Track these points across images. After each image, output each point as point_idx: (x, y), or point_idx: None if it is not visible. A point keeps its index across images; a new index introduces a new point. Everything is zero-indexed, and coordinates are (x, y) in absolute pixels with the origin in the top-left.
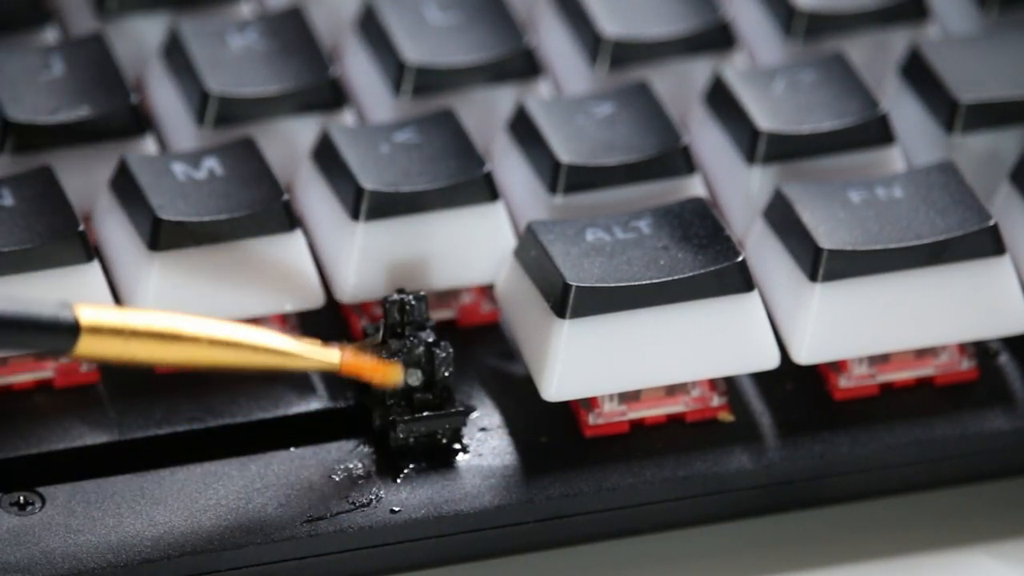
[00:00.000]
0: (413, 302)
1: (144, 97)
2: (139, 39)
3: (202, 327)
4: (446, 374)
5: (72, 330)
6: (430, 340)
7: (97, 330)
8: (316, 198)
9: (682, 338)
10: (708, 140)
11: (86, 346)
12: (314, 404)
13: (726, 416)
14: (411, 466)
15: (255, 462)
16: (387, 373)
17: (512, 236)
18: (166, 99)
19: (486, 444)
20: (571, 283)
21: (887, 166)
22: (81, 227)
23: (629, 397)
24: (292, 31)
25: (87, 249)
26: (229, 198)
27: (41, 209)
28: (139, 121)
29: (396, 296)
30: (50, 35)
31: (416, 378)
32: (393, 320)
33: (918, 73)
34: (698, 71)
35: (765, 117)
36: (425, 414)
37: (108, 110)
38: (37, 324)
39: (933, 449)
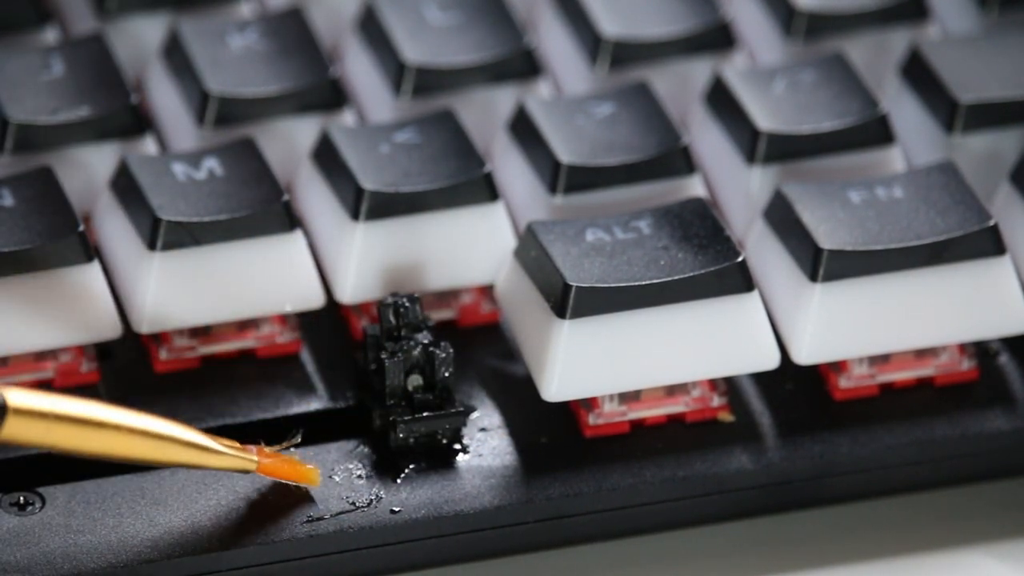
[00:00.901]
0: (407, 304)
1: (144, 97)
2: (139, 39)
3: (125, 418)
4: (446, 374)
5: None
6: (426, 341)
7: (23, 412)
8: (316, 198)
9: (682, 338)
10: (708, 140)
11: (10, 429)
12: (314, 404)
13: (726, 416)
14: (411, 466)
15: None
16: (304, 475)
17: (512, 236)
18: (166, 99)
19: (486, 444)
20: (571, 283)
21: (887, 166)
22: (81, 227)
23: (629, 397)
24: (292, 31)
25: (87, 249)
26: (229, 198)
27: (41, 209)
28: (139, 121)
29: (390, 299)
30: (50, 35)
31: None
32: (388, 323)
33: (918, 73)
34: (698, 71)
35: (765, 117)
36: (425, 414)
37: (108, 110)
38: None
39: (933, 449)
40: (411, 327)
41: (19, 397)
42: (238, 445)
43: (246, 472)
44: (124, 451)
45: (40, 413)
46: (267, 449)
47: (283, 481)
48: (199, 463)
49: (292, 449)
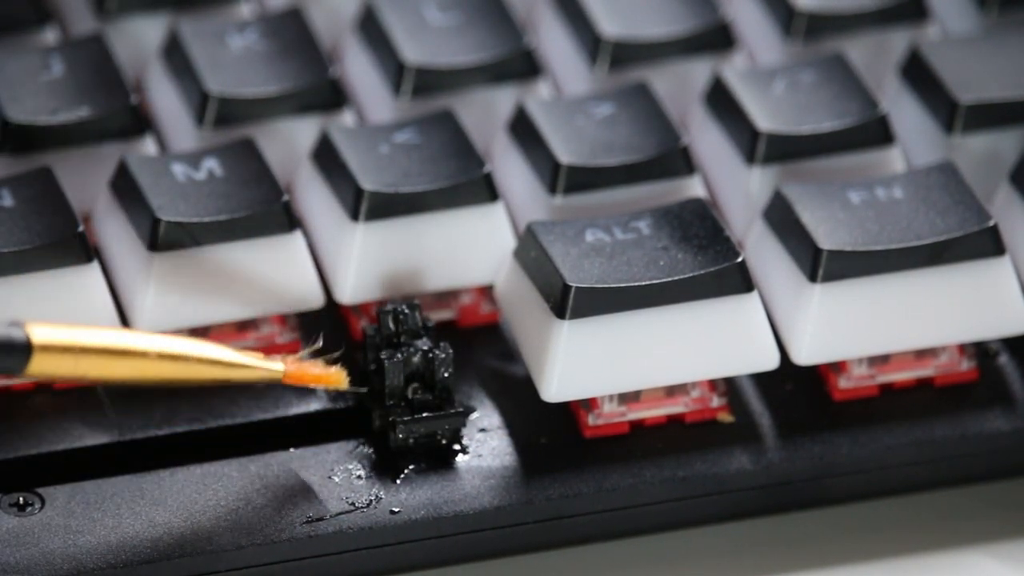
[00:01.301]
0: (406, 311)
1: (144, 98)
2: (139, 39)
3: (150, 342)
4: (445, 375)
5: (25, 349)
6: (426, 348)
7: (49, 348)
8: (316, 199)
9: (682, 339)
10: (708, 140)
11: (38, 365)
12: (314, 404)
13: (726, 417)
14: (411, 467)
15: (254, 463)
16: (331, 379)
17: (512, 237)
18: (166, 100)
19: (486, 445)
20: (571, 284)
21: (887, 166)
22: (81, 228)
23: (629, 398)
24: (292, 31)
25: (87, 250)
26: (229, 199)
27: (41, 210)
28: (139, 121)
29: (389, 306)
30: (50, 35)
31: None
32: (388, 330)
33: (918, 73)
34: (698, 71)
35: (765, 117)
36: (425, 415)
37: (108, 110)
38: None
39: (933, 450)
40: (410, 333)
41: (43, 332)
42: (263, 356)
43: (275, 381)
44: (152, 374)
45: (65, 347)
46: (291, 357)
47: (310, 385)
48: (228, 378)
49: (291, 449)
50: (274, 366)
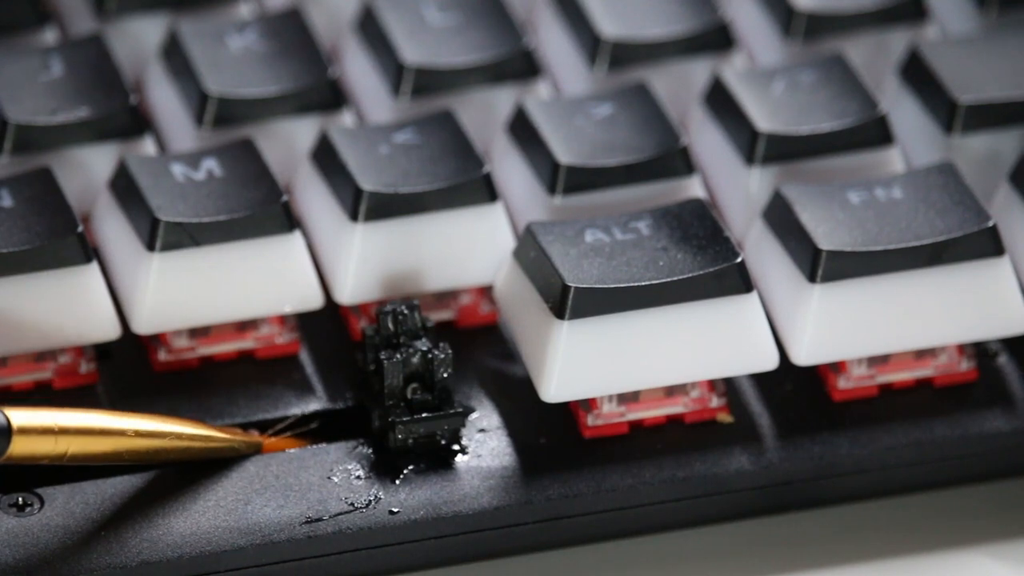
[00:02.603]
0: (405, 311)
1: (143, 98)
2: (138, 40)
3: (128, 422)
4: (445, 375)
5: (5, 433)
6: (425, 348)
7: (28, 431)
8: (315, 199)
9: (681, 339)
10: (707, 141)
11: (19, 447)
12: (314, 404)
13: (725, 417)
14: (410, 467)
15: (254, 462)
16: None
17: (511, 237)
18: (165, 100)
19: (485, 445)
20: (570, 284)
21: (886, 167)
22: (80, 228)
23: (628, 398)
24: (291, 32)
25: (86, 250)
26: (228, 199)
27: (40, 210)
28: (138, 122)
29: (388, 307)
30: (49, 36)
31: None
32: (387, 331)
33: (917, 74)
34: (697, 72)
35: (764, 118)
36: (424, 415)
37: (108, 111)
38: None
39: (932, 450)
40: (410, 334)
41: (22, 416)
42: (243, 432)
43: (255, 449)
44: (132, 448)
45: (44, 429)
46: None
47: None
48: (208, 449)
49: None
50: (254, 438)
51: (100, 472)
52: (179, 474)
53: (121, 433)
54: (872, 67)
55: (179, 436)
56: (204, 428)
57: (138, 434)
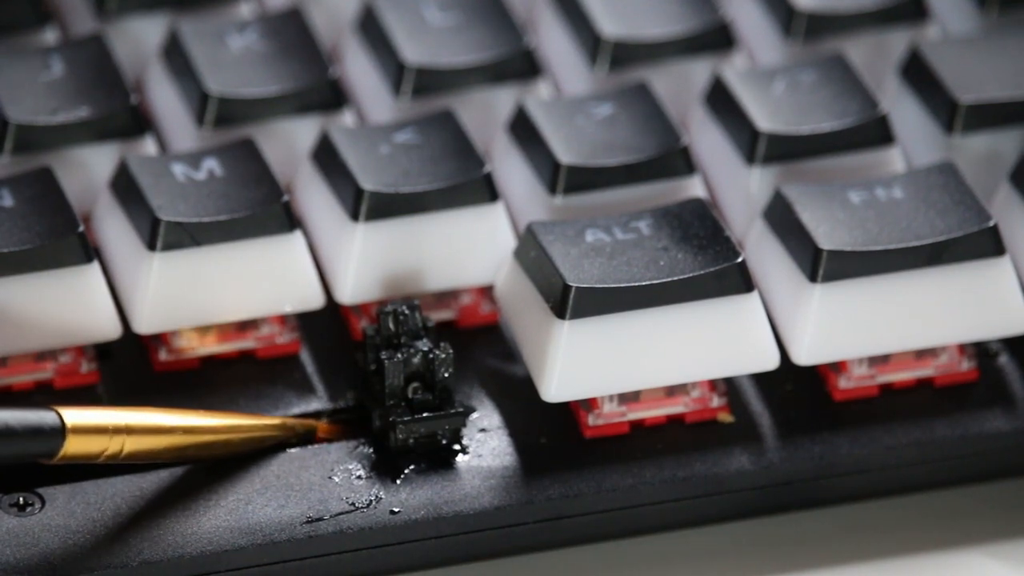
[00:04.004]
0: (406, 311)
1: (144, 98)
2: (139, 40)
3: (184, 419)
4: (445, 375)
5: (59, 432)
6: (426, 348)
7: (82, 430)
8: (316, 199)
9: (682, 339)
10: (708, 141)
11: (73, 446)
12: (314, 404)
13: (725, 417)
14: (411, 467)
15: (255, 463)
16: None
17: (512, 237)
18: (166, 100)
19: (486, 445)
20: (571, 284)
21: (887, 167)
22: (81, 228)
23: (629, 398)
24: (292, 32)
25: (87, 250)
26: (229, 199)
27: (41, 209)
28: (139, 122)
29: (389, 307)
30: (50, 36)
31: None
32: (388, 331)
33: (918, 74)
34: (698, 71)
35: (765, 118)
36: (425, 415)
37: (108, 110)
38: (25, 432)
39: (933, 450)
40: (410, 334)
41: (75, 415)
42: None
43: (309, 433)
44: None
45: (98, 427)
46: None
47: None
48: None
49: (292, 448)
50: (307, 424)
51: (101, 472)
52: (179, 474)
53: (179, 430)
54: (872, 67)
55: (238, 428)
56: (253, 419)
57: (196, 430)
